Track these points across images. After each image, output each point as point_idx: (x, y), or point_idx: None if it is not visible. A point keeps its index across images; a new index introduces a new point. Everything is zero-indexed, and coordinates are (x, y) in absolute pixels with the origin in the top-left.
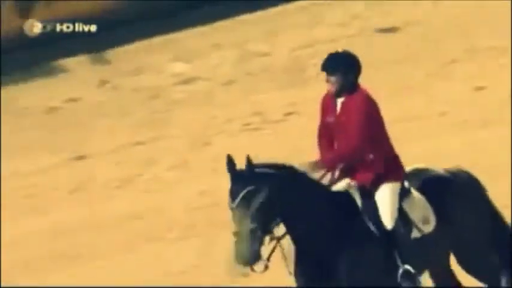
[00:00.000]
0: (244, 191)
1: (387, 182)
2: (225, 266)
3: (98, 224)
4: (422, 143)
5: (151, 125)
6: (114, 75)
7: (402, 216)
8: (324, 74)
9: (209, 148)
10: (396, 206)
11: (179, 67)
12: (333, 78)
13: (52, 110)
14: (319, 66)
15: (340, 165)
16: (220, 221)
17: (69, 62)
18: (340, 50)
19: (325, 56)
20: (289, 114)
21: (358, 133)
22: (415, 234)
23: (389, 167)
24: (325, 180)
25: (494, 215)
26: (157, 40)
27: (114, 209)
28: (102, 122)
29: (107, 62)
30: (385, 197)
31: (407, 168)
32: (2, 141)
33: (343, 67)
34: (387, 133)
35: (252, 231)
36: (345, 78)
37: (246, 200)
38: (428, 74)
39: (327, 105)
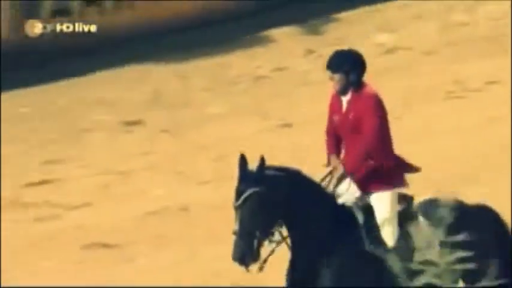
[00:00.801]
0: (249, 192)
1: (388, 188)
2: None
3: None
4: None
5: None
6: (319, 44)
7: (406, 238)
8: None
9: (408, 117)
10: (396, 221)
11: (382, 37)
12: (336, 77)
13: (260, 78)
14: None
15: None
16: None
17: (276, 32)
18: (345, 48)
19: None
20: (490, 83)
21: (374, 135)
22: (417, 258)
23: (393, 170)
24: (330, 183)
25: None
26: (362, 11)
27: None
28: (307, 90)
29: (313, 32)
30: (386, 213)
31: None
32: (215, 106)
33: (345, 65)
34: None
35: (251, 232)
36: (348, 77)
37: (249, 201)
38: None
39: (334, 103)
